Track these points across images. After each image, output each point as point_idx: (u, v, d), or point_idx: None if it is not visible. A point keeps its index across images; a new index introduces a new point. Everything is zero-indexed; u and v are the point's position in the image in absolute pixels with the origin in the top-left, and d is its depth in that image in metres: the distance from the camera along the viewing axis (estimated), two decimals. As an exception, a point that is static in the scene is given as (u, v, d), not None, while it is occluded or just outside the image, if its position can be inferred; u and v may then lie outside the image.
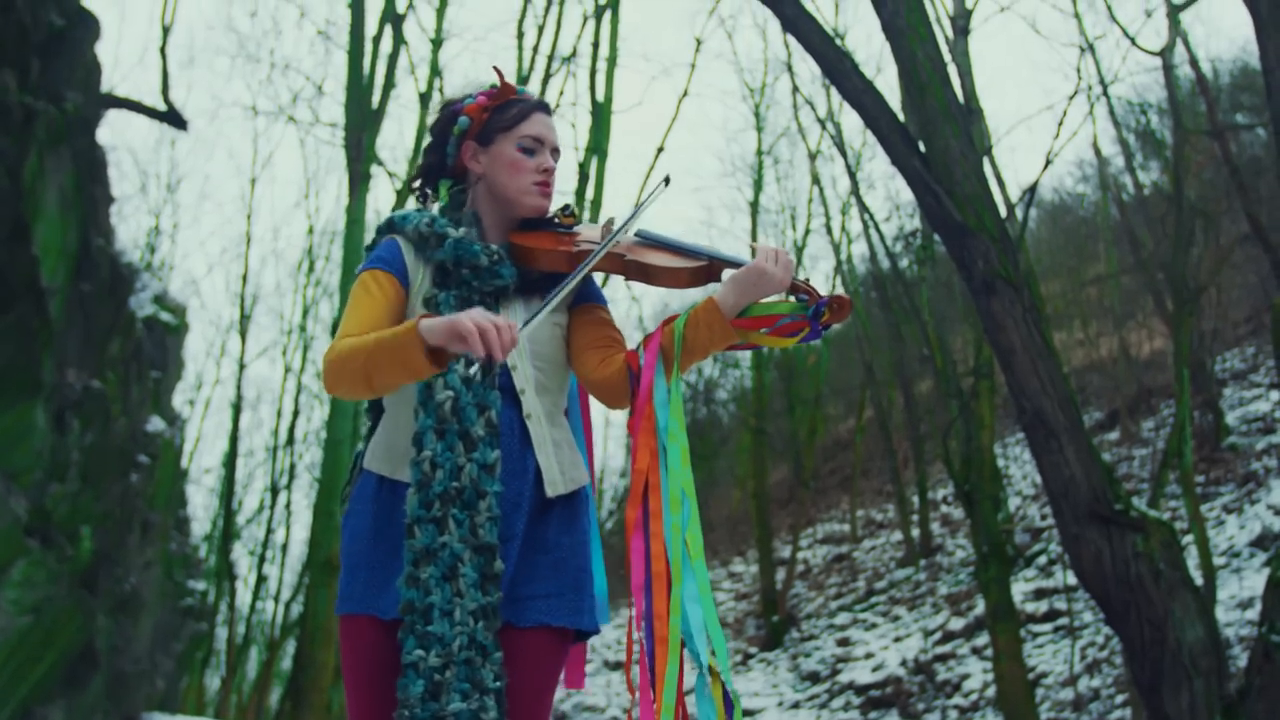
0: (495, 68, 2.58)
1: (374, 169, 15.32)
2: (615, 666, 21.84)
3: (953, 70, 8.36)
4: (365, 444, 2.56)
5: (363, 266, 2.48)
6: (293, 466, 24.91)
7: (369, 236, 2.62)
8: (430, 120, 2.69)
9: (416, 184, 2.70)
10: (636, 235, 2.62)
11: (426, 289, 2.44)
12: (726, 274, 2.44)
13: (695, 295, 2.54)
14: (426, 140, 2.68)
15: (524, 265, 2.50)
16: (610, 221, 2.54)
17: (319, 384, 24.62)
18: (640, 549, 2.33)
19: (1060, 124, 12.51)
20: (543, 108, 2.61)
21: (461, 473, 2.30)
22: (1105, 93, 15.82)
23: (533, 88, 17.84)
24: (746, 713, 17.94)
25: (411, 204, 2.74)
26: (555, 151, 2.60)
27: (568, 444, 2.52)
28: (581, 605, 2.42)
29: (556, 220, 2.59)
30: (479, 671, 2.22)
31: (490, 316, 2.09)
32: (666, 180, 2.70)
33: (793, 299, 2.42)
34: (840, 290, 2.39)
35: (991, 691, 14.61)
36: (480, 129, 2.57)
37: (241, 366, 24.81)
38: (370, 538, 2.38)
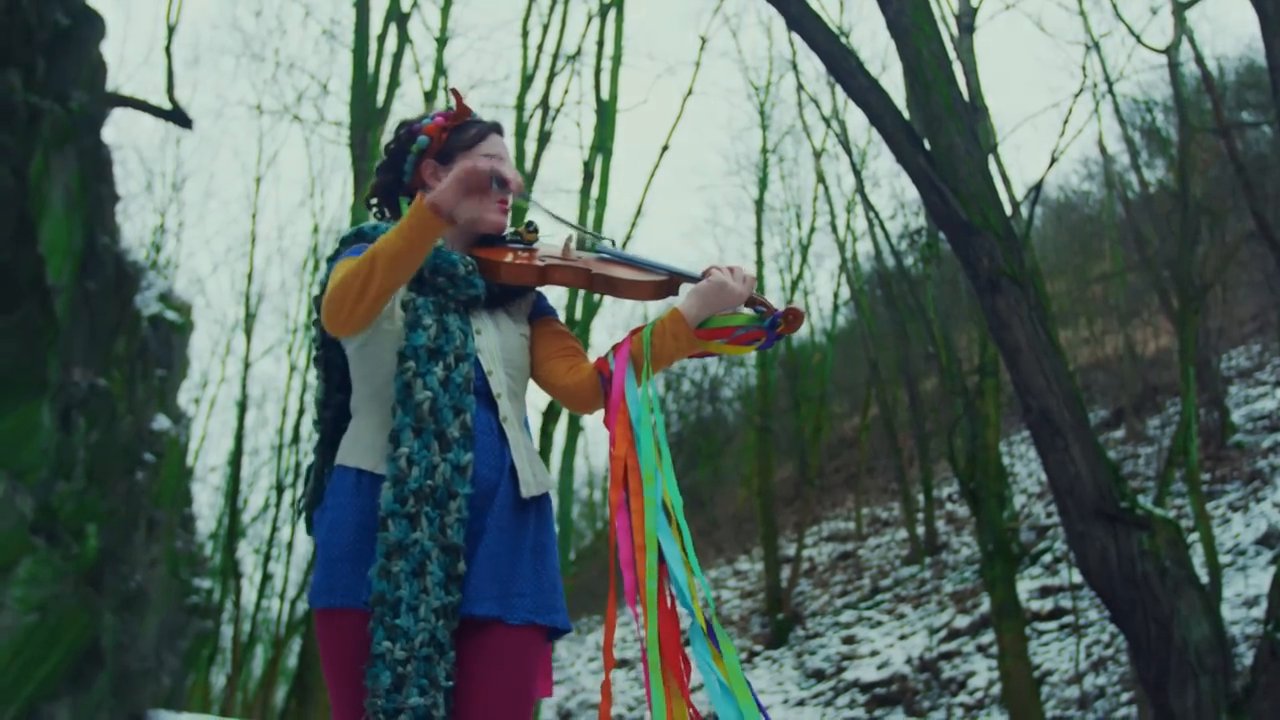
0: (453, 90, 2.70)
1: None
2: (619, 664, 21.84)
3: (958, 68, 8.36)
4: (320, 457, 2.65)
5: (339, 257, 2.56)
6: (297, 465, 24.91)
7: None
8: (387, 140, 2.78)
9: (373, 201, 2.78)
10: (598, 252, 2.75)
11: (403, 293, 2.52)
12: (684, 289, 2.60)
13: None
14: (380, 159, 2.76)
15: (488, 278, 2.60)
16: (570, 238, 2.67)
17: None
18: (625, 527, 2.43)
19: (1065, 122, 12.48)
20: (498, 129, 2.72)
21: (436, 471, 2.37)
22: (1111, 90, 15.80)
23: (537, 86, 17.90)
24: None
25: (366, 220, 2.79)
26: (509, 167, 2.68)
27: (533, 448, 2.63)
28: (558, 604, 2.51)
29: (519, 235, 2.70)
30: (435, 669, 2.29)
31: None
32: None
33: (750, 311, 2.57)
34: (796, 304, 2.53)
35: (996, 689, 14.61)
36: (440, 148, 2.66)
37: (246, 365, 24.86)
38: (354, 530, 2.42)
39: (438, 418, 2.40)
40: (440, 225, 2.29)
